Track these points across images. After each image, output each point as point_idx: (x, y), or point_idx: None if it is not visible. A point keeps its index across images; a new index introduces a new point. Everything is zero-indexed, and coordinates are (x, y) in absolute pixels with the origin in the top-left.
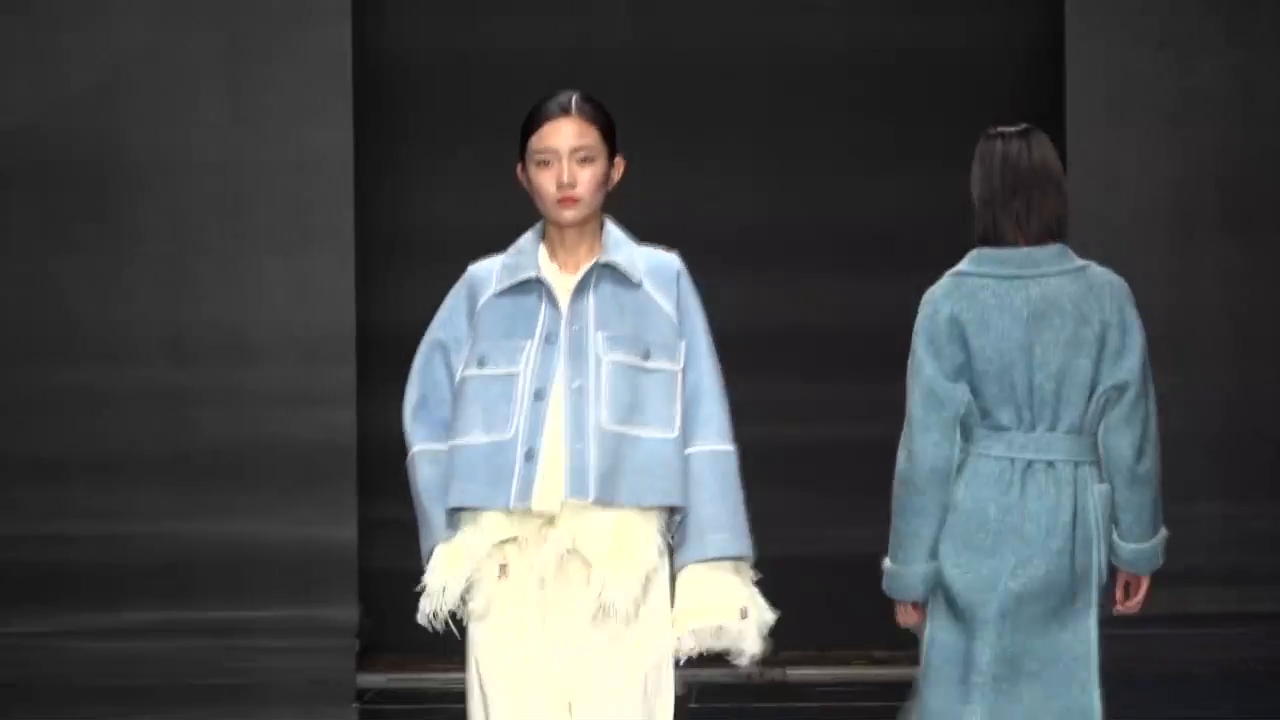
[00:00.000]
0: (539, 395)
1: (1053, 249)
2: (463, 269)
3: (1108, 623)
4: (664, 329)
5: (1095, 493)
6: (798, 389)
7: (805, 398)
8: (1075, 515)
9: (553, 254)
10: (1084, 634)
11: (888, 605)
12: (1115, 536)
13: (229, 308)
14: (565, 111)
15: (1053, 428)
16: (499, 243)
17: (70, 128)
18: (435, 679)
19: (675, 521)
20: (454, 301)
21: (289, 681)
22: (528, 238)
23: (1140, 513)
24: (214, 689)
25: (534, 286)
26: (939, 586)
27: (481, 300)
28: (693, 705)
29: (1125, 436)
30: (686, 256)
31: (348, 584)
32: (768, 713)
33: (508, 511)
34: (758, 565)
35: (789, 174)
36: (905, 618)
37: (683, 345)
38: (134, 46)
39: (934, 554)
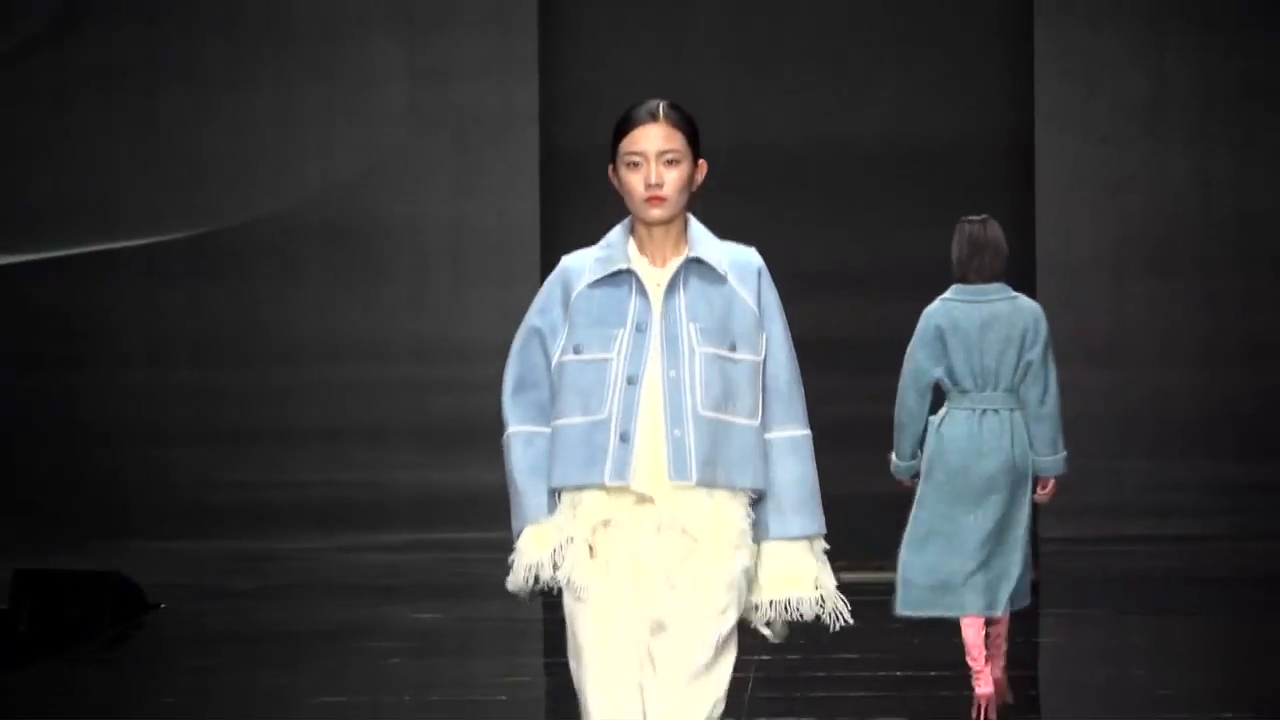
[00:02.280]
0: (631, 380)
1: (995, 286)
2: None
3: (1065, 541)
4: (747, 321)
5: (1021, 427)
6: (848, 380)
7: (852, 385)
8: (1013, 437)
9: (641, 248)
10: (1028, 516)
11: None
12: (1032, 454)
13: (454, 325)
14: (654, 117)
15: (994, 389)
16: None
17: (346, 200)
18: None
19: (753, 499)
20: (549, 291)
21: (498, 582)
22: (617, 233)
23: (1043, 437)
24: (445, 587)
25: (625, 278)
26: (930, 486)
27: (576, 291)
28: None
29: (1032, 390)
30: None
31: None
32: None
33: (606, 490)
34: (828, 516)
35: (840, 227)
36: (904, 484)
37: (763, 337)
38: (388, 144)
39: (915, 454)
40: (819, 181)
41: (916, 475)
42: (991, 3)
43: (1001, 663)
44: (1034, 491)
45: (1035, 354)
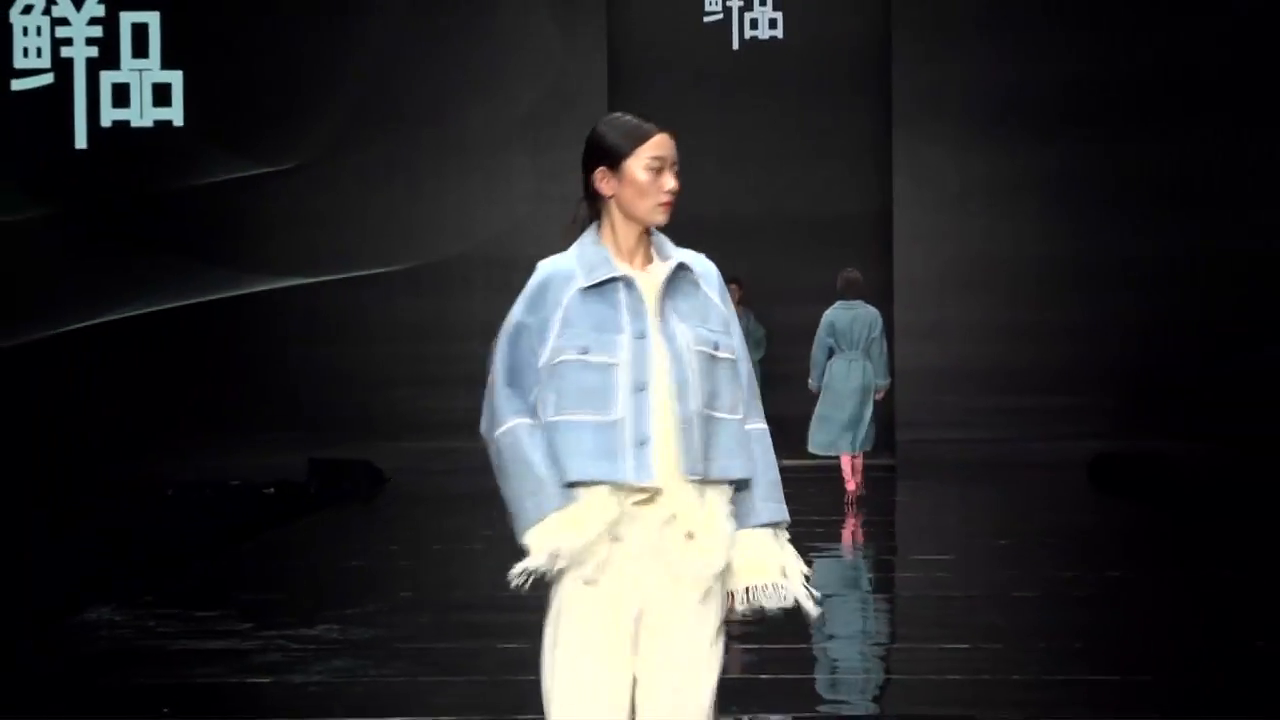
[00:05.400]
0: (640, 387)
1: (858, 301)
2: None
3: (912, 441)
4: (721, 322)
5: (870, 368)
6: (783, 350)
7: (789, 353)
8: (864, 375)
9: (617, 254)
10: (871, 407)
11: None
12: (874, 379)
13: None
14: (664, 130)
15: (856, 349)
16: None
17: (498, 246)
18: None
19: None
20: (536, 292)
21: None
22: (588, 241)
23: (880, 372)
24: None
25: (618, 283)
26: (825, 394)
27: (568, 294)
28: None
29: (874, 350)
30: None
31: None
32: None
33: (616, 488)
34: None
35: (779, 263)
36: (815, 392)
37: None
38: (522, 213)
39: (820, 379)
40: (769, 237)
41: (819, 389)
42: (866, 129)
43: (859, 478)
44: (875, 394)
45: (876, 333)
